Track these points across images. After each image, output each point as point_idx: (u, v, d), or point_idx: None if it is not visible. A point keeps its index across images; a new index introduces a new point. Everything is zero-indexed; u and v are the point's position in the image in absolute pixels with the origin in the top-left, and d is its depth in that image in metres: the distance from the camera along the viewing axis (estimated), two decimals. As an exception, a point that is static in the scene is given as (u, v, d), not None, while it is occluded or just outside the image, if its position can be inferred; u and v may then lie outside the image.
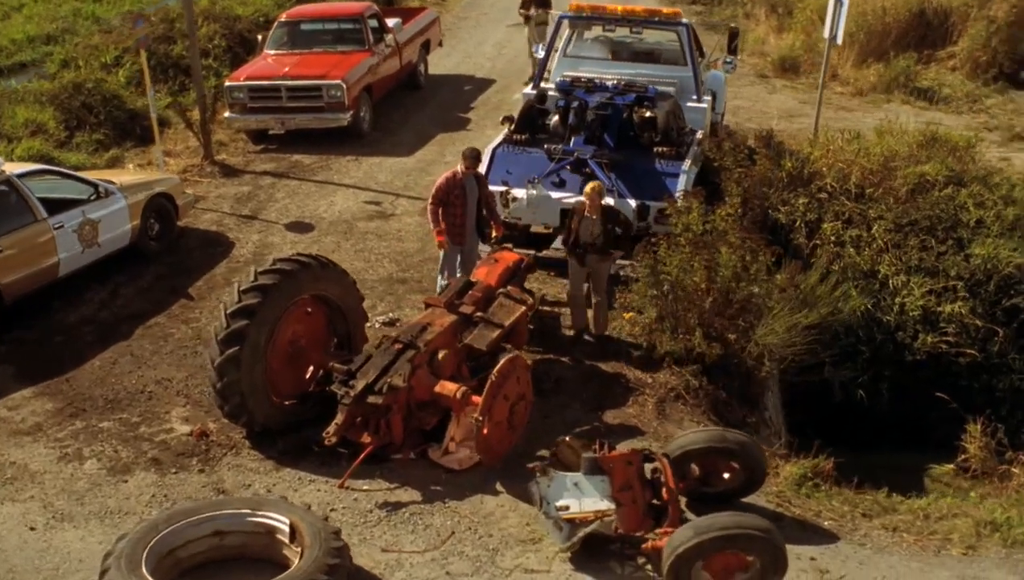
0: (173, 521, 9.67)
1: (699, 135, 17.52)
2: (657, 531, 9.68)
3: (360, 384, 11.24)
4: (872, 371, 15.97)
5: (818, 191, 17.94)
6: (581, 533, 9.84)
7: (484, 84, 26.34)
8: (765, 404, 13.87)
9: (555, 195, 15.73)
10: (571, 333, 14.05)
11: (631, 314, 13.94)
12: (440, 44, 27.41)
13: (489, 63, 28.18)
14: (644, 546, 9.69)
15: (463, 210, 13.85)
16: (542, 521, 10.12)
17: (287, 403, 12.18)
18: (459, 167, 13.84)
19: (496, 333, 12.07)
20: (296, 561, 9.31)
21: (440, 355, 11.67)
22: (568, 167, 16.06)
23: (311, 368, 12.43)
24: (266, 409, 11.68)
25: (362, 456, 11.14)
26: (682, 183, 15.71)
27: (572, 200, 15.59)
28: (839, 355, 15.61)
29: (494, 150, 16.61)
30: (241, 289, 11.55)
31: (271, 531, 9.76)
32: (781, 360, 13.47)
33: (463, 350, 12.05)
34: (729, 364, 13.56)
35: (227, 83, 21.76)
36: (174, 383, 13.11)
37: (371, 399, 11.13)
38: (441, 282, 13.81)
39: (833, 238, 17.05)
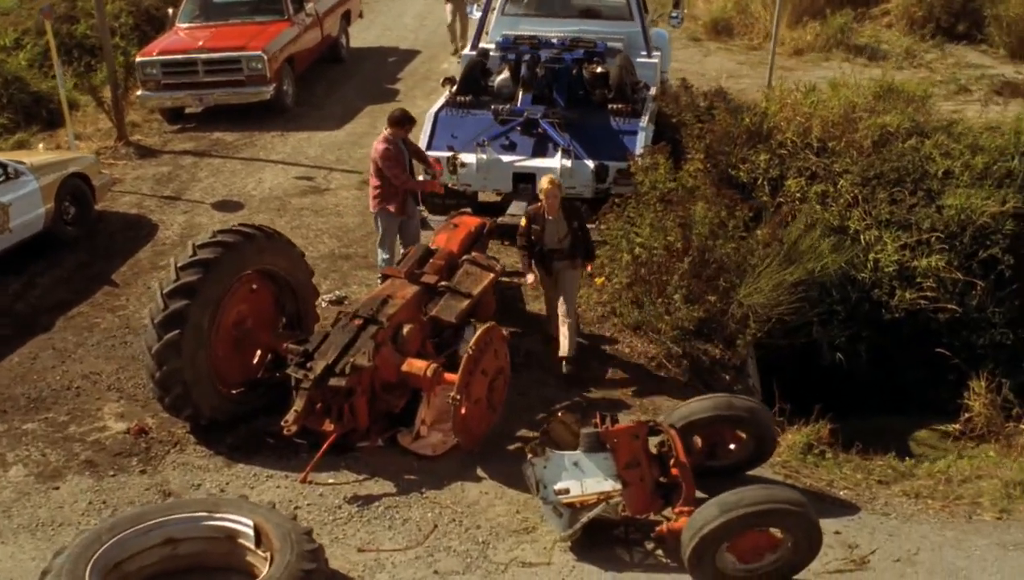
0: (117, 530, 8.42)
1: (652, 91, 16.46)
2: (673, 511, 8.59)
3: (319, 366, 10.03)
4: (849, 332, 15.04)
5: (778, 147, 16.97)
6: (584, 518, 8.78)
7: (409, 55, 25.09)
8: (748, 371, 12.85)
9: (506, 158, 14.58)
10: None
11: (601, 279, 12.87)
12: (360, 15, 26.07)
13: (412, 34, 26.90)
14: (659, 529, 8.66)
15: (401, 169, 12.58)
16: (541, 508, 9.00)
17: (235, 392, 10.94)
18: (386, 132, 12.51)
19: (464, 303, 10.93)
20: (265, 569, 8.10)
21: (405, 330, 10.50)
22: (518, 128, 14.92)
23: (259, 352, 11.18)
24: (212, 399, 10.43)
25: (325, 446, 9.95)
26: (641, 141, 14.70)
27: (525, 164, 14.55)
28: (816, 316, 14.66)
29: (436, 114, 15.44)
30: (179, 265, 10.28)
31: (232, 536, 8.54)
32: (766, 321, 12.44)
33: (428, 323, 10.86)
34: (709, 329, 12.51)
35: (138, 59, 20.20)
36: (104, 377, 11.78)
37: (333, 382, 9.94)
38: (383, 256, 12.54)
39: (798, 195, 16.07)
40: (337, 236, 15.29)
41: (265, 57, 19.76)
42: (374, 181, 12.59)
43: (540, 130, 14.93)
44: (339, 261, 14.48)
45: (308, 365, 10.09)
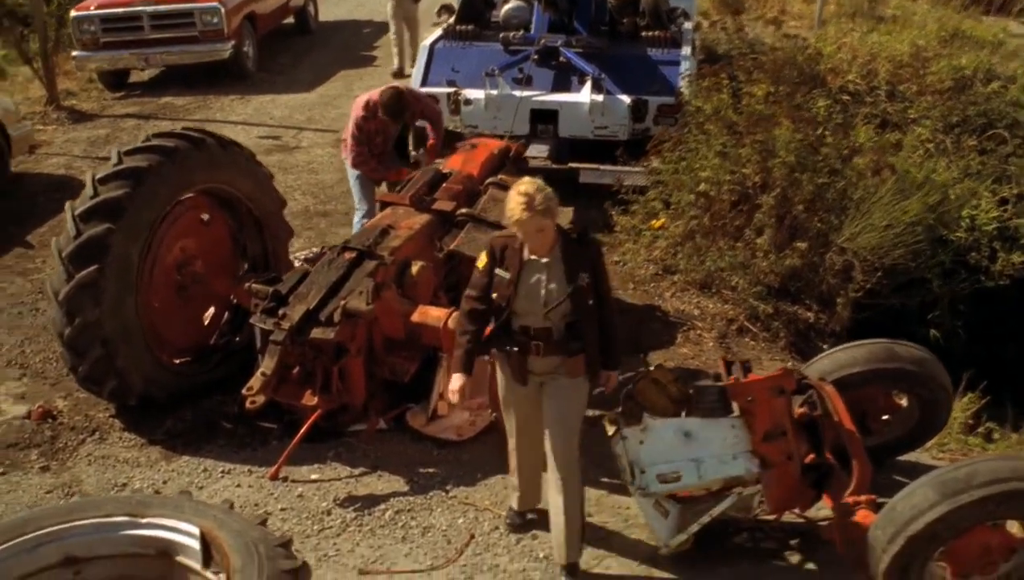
0: (-13, 545, 5.34)
1: (691, 23, 13.64)
2: (850, 503, 5.59)
3: (297, 312, 7.02)
4: (943, 302, 12.09)
5: (839, 91, 14.08)
6: (702, 519, 5.77)
7: (384, 27, 22.07)
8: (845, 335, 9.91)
9: (522, 93, 11.66)
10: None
11: (662, 220, 9.96)
12: (330, -13, 23.17)
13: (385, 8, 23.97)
14: (827, 527, 5.63)
15: (384, 139, 9.51)
16: (636, 504, 6.00)
17: (178, 361, 7.92)
18: (372, 99, 9.37)
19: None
20: (213, 595, 5.07)
21: (414, 269, 7.51)
22: (534, 58, 12.00)
23: (212, 309, 8.15)
24: (145, 368, 7.42)
25: (306, 427, 6.95)
26: (685, 71, 11.83)
27: (546, 98, 11.68)
28: (903, 284, 11.72)
29: (432, 46, 12.56)
30: (98, 177, 7.26)
31: (166, 550, 5.49)
32: (874, 270, 9.53)
33: (444, 262, 7.86)
34: (797, 285, 9.58)
35: (74, 13, 17.15)
36: (3, 350, 8.78)
37: (316, 334, 6.92)
38: (362, 220, 9.41)
39: (869, 145, 13.16)
40: (312, 193, 12.35)
41: (222, 10, 16.84)
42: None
43: (562, 60, 12.09)
44: (315, 218, 11.53)
45: (281, 312, 7.06)
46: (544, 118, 11.71)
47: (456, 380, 5.78)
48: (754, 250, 9.32)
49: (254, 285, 7.41)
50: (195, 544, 5.37)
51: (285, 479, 6.89)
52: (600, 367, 5.76)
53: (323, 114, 15.68)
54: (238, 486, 6.84)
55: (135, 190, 7.20)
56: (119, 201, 7.13)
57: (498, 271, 5.65)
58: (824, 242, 9.60)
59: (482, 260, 5.79)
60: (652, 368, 6.32)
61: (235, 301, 8.00)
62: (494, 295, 5.66)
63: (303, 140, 14.45)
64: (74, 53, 17.13)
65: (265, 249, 8.30)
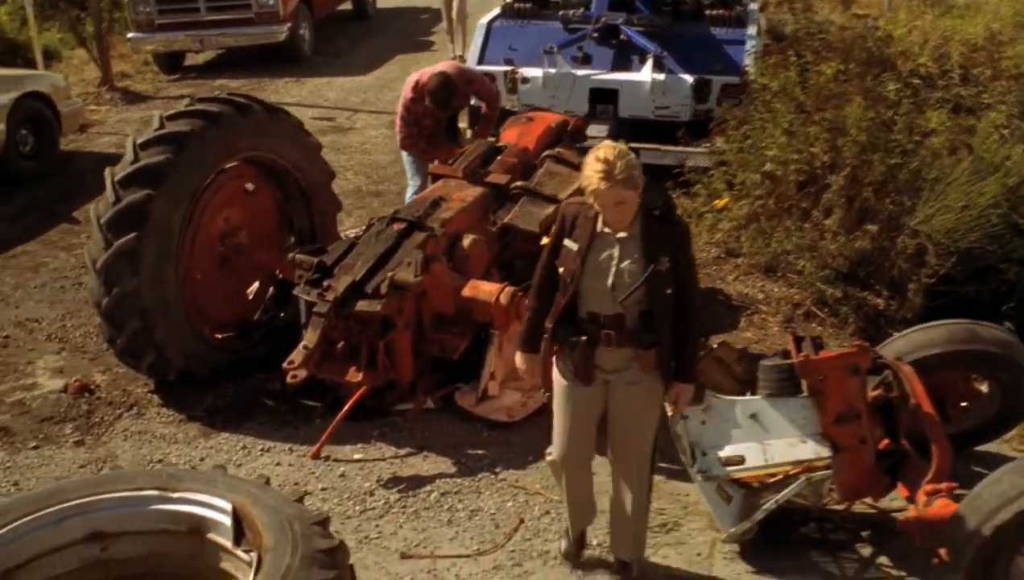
0: (9, 518, 5.06)
1: (755, 4, 13.17)
2: (928, 492, 5.17)
3: (342, 283, 6.70)
4: (1019, 291, 11.55)
5: (909, 75, 13.52)
6: (768, 505, 5.37)
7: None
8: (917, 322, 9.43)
9: (581, 72, 11.29)
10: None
11: (725, 200, 9.55)
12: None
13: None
14: (902, 517, 5.21)
15: (433, 121, 9.10)
16: (699, 488, 5.61)
17: (220, 336, 7.62)
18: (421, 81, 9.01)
19: (548, 209, 7.53)
20: (247, 578, 4.74)
21: (465, 242, 7.16)
22: (594, 36, 11.62)
23: (258, 283, 7.85)
24: (186, 342, 7.15)
25: (349, 404, 6.63)
26: (750, 49, 11.42)
27: (606, 77, 11.30)
28: (978, 270, 11.19)
29: (489, 24, 12.18)
30: (139, 142, 6.98)
31: (197, 527, 5.18)
32: (949, 254, 9.05)
33: (498, 236, 7.50)
34: (866, 270, 9.12)
35: (129, -7, 16.97)
36: (44, 324, 8.51)
37: (362, 307, 6.60)
38: (414, 196, 8.99)
39: (943, 129, 12.63)
40: (365, 173, 12.08)
41: (279, -9, 16.53)
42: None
43: (622, 38, 11.69)
44: (367, 198, 11.25)
45: (325, 283, 6.75)
46: (603, 97, 11.33)
47: (520, 360, 5.29)
48: (822, 232, 8.88)
49: (298, 255, 7.12)
50: (227, 521, 5.04)
51: (327, 458, 6.57)
52: (671, 376, 4.93)
53: (379, 96, 15.40)
54: (278, 464, 6.53)
55: (177, 156, 6.92)
56: (160, 167, 6.86)
57: (567, 242, 4.90)
58: (896, 225, 9.13)
59: (547, 237, 5.26)
60: (716, 346, 5.94)
61: (280, 275, 7.69)
62: (560, 269, 4.93)
63: (357, 121, 14.19)
64: (129, 35, 16.98)
65: (312, 222, 7.99)
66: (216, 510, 5.05)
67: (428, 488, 6.27)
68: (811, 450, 5.34)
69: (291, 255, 7.20)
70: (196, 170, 7.05)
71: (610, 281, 4.78)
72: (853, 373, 5.32)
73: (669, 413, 5.23)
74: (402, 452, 6.65)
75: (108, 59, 16.32)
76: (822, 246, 8.86)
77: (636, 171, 4.64)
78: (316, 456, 6.58)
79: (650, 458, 5.17)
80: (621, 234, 4.80)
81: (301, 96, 15.48)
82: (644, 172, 4.74)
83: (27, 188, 11.62)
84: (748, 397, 5.49)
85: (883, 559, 5.58)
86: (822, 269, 8.96)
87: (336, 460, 6.57)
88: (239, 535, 4.89)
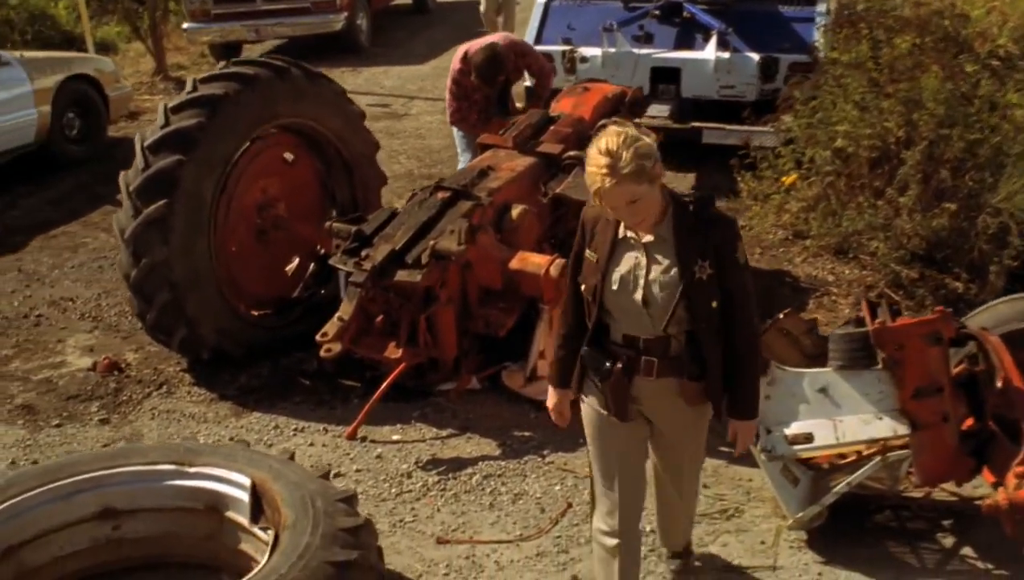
0: (14, 491, 4.72)
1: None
2: (1016, 474, 4.64)
3: (381, 252, 6.27)
4: None
5: (988, 56, 12.86)
6: (838, 487, 4.85)
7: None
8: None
9: (642, 51, 10.81)
10: None
11: (794, 176, 9.03)
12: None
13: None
14: (987, 502, 4.67)
15: (484, 95, 8.66)
16: (762, 469, 5.10)
17: (256, 314, 7.22)
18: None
19: (604, 181, 7.02)
20: (262, 557, 4.33)
21: (515, 213, 6.71)
22: (655, 14, 11.13)
23: (297, 259, 7.46)
24: (219, 318, 6.78)
25: (388, 381, 6.20)
26: (820, 25, 10.90)
27: (667, 55, 10.82)
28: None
29: (547, 3, 11.74)
30: (170, 106, 6.62)
31: (215, 504, 4.80)
32: (1030, 234, 8.47)
33: (549, 208, 7.04)
34: (943, 252, 8.54)
35: (185, -17, 16.75)
36: (78, 304, 8.19)
37: (402, 277, 6.16)
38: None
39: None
40: (417, 157, 11.70)
41: (336, -19, 16.23)
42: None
43: (685, 16, 11.19)
44: (419, 180, 10.80)
45: (363, 253, 6.33)
46: (665, 77, 10.85)
47: (551, 396, 4.42)
48: (897, 209, 8.33)
49: (335, 224, 6.72)
50: (244, 496, 4.64)
51: (363, 439, 6.16)
52: (727, 411, 4.09)
53: (435, 84, 15.00)
54: (311, 444, 6.13)
55: (210, 120, 6.56)
56: (191, 131, 6.50)
57: (588, 253, 4.03)
58: (976, 204, 8.54)
59: (576, 238, 4.20)
60: (782, 316, 5.45)
61: (321, 251, 7.29)
62: (583, 287, 4.07)
63: (413, 108, 13.84)
64: (185, 25, 16.78)
65: (355, 196, 7.59)
66: (235, 486, 4.69)
67: (470, 471, 5.84)
68: (887, 427, 4.83)
69: (328, 224, 6.78)
70: (230, 135, 6.69)
71: (639, 295, 3.88)
72: (934, 342, 4.79)
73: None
74: (444, 434, 6.22)
75: (162, 48, 16.12)
76: (896, 225, 8.31)
77: (649, 161, 3.69)
78: (352, 436, 6.17)
79: (702, 460, 4.60)
80: (647, 238, 3.90)
81: (357, 84, 15.12)
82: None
83: (73, 172, 11.36)
84: (817, 369, 4.97)
85: (967, 550, 5.05)
86: (896, 249, 8.41)
87: (373, 441, 6.16)
88: (257, 512, 4.52)
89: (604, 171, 3.68)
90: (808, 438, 4.87)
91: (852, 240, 8.70)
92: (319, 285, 7.51)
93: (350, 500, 4.62)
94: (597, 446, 4.23)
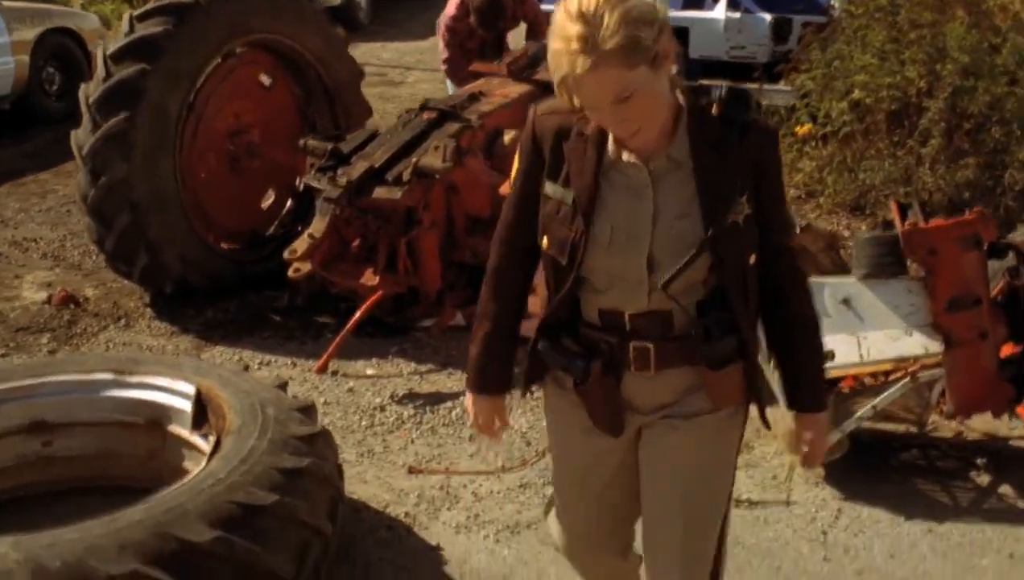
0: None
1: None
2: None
3: (358, 169, 5.71)
4: None
5: (1010, 28, 12.39)
6: (864, 411, 4.28)
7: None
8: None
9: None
10: None
11: (808, 125, 8.51)
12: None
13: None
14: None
15: (479, 43, 8.13)
16: (776, 392, 4.52)
17: (226, 246, 6.65)
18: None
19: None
20: (201, 463, 3.78)
21: (507, 139, 6.18)
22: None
23: (272, 191, 6.91)
24: (184, 246, 6.22)
25: (363, 309, 5.66)
26: (838, -12, 10.42)
27: (675, 15, 10.31)
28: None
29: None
30: (136, 14, 6.10)
31: (158, 418, 4.24)
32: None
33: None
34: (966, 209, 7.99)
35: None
36: (41, 245, 7.68)
37: (379, 194, 5.62)
38: None
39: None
40: (411, 118, 11.07)
41: (333, -49, 15.73)
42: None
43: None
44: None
45: (340, 170, 5.77)
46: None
47: (471, 405, 2.94)
48: (918, 159, 7.79)
49: (310, 141, 6.18)
50: (187, 407, 4.08)
51: (334, 373, 5.61)
52: (787, 403, 2.79)
53: (435, 57, 14.42)
54: (278, 378, 5.54)
55: (177, 28, 6.05)
56: (157, 39, 5.98)
57: (548, 187, 2.54)
58: (1001, 161, 8.02)
59: (513, 172, 2.71)
60: (799, 230, 4.89)
61: (300, 186, 6.73)
62: (543, 241, 2.57)
63: (409, 76, 13.40)
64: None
65: (337, 126, 7.02)
66: (179, 396, 4.09)
67: (449, 405, 5.28)
68: (918, 344, 4.27)
69: (302, 141, 6.24)
70: (199, 47, 6.17)
71: (642, 254, 2.45)
72: (972, 246, 4.23)
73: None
74: (423, 369, 5.67)
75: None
76: (918, 179, 7.78)
77: (648, 30, 2.27)
78: (322, 370, 5.61)
79: (727, 499, 2.80)
80: (655, 162, 2.46)
81: (355, 56, 14.59)
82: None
83: (52, 127, 10.80)
84: (839, 278, 4.42)
85: (1004, 488, 4.49)
86: (917, 205, 7.85)
87: (345, 375, 5.61)
88: (200, 419, 3.91)
89: (576, 46, 2.24)
90: (829, 356, 4.28)
91: (870, 195, 8.19)
92: (295, 222, 6.95)
93: (307, 410, 4.07)
94: (564, 471, 2.89)
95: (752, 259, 2.50)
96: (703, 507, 2.63)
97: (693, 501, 2.61)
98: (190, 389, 4.15)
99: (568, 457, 2.82)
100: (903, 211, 4.55)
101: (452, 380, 5.54)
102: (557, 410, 2.80)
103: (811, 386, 2.73)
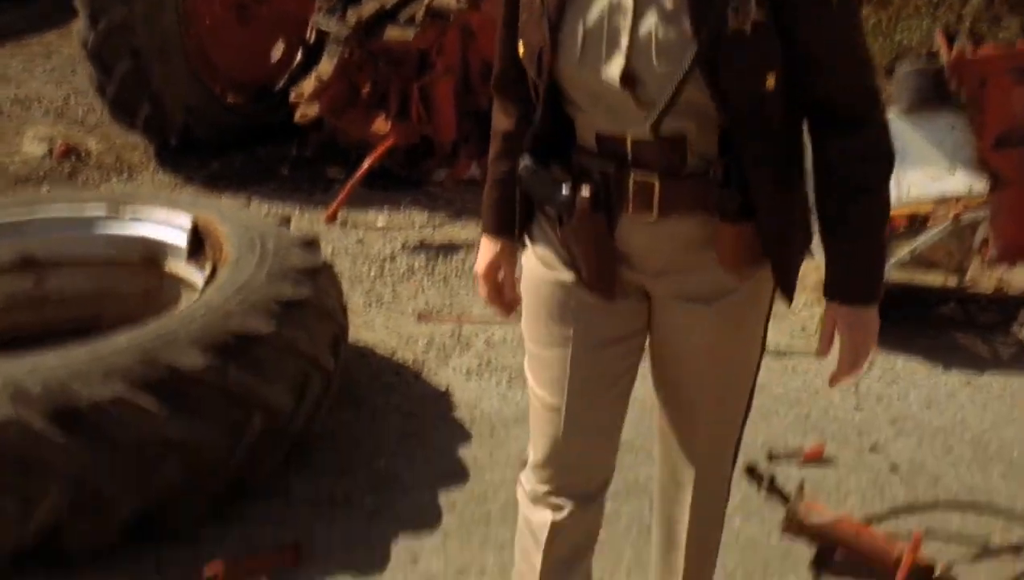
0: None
1: None
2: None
3: (369, 8, 5.40)
4: None
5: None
6: (902, 254, 4.04)
7: None
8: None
9: None
10: None
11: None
12: None
13: None
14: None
15: None
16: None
17: (232, 99, 6.37)
18: None
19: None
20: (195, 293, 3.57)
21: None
22: None
23: (282, 43, 6.60)
24: (189, 96, 5.96)
25: (374, 156, 5.41)
26: None
27: None
28: None
29: None
30: None
31: (153, 255, 4.01)
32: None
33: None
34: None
35: None
36: (44, 102, 7.40)
37: (391, 34, 5.31)
38: None
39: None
40: None
41: None
42: None
43: None
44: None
45: (349, 10, 5.47)
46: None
47: (481, 253, 2.34)
48: (959, 19, 7.42)
49: (317, -12, 5.85)
50: (182, 242, 3.84)
51: (344, 224, 5.36)
52: (825, 290, 2.06)
53: None
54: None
55: None
56: None
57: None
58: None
59: None
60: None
61: (311, 37, 6.43)
62: (520, 48, 2.02)
63: None
64: None
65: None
66: (176, 230, 3.84)
67: (462, 255, 5.05)
68: (961, 183, 3.99)
69: (312, -17, 5.93)
70: None
71: (616, 63, 1.87)
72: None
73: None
74: (436, 220, 5.43)
75: None
76: (961, 33, 7.41)
77: None
78: (331, 219, 5.38)
79: (730, 475, 2.38)
80: None
81: None
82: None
83: None
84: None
85: (1047, 341, 4.22)
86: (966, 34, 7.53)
87: (355, 225, 5.36)
88: (196, 251, 3.68)
89: None
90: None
91: (906, 57, 7.79)
92: (307, 76, 6.64)
93: (310, 245, 3.83)
94: (541, 337, 2.17)
95: (770, 83, 1.84)
96: (733, 387, 2.22)
97: (724, 382, 2.19)
98: (187, 222, 3.91)
99: (547, 320, 2.15)
100: (950, 41, 4.22)
101: (466, 231, 5.31)
102: (538, 260, 2.13)
103: (858, 269, 2.02)
